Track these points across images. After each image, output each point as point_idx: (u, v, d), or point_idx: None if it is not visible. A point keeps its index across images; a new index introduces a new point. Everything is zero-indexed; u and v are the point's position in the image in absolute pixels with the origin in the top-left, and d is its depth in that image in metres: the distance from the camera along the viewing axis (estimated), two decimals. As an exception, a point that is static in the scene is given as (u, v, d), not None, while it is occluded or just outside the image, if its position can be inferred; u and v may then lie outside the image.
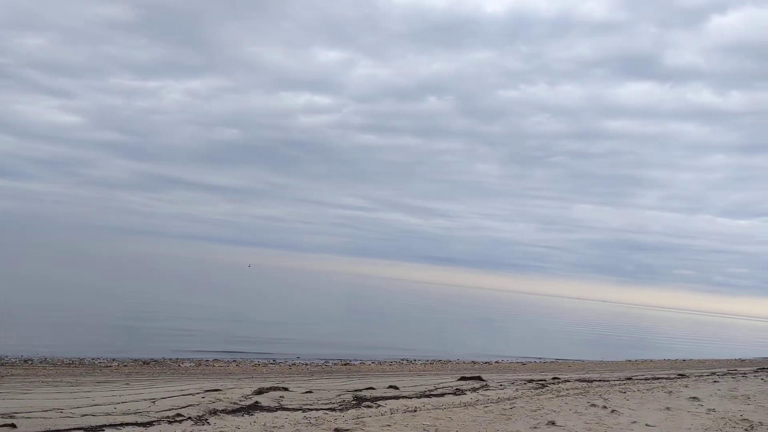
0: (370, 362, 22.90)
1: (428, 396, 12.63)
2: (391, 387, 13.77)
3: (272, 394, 11.85)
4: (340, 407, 10.67)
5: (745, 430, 9.89)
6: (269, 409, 10.15)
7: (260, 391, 12.04)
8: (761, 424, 10.39)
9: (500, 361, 27.65)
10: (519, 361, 28.46)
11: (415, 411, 10.44)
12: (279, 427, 8.69)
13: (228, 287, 62.72)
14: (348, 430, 8.64)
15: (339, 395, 12.18)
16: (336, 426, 8.82)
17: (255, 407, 10.27)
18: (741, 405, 12.97)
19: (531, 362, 28.01)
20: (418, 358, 25.46)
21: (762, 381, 19.40)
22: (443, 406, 11.12)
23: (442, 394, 12.97)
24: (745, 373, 23.83)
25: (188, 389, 12.11)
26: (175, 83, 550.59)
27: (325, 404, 10.96)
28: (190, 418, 9.13)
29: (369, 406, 10.83)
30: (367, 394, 12.52)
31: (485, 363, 25.93)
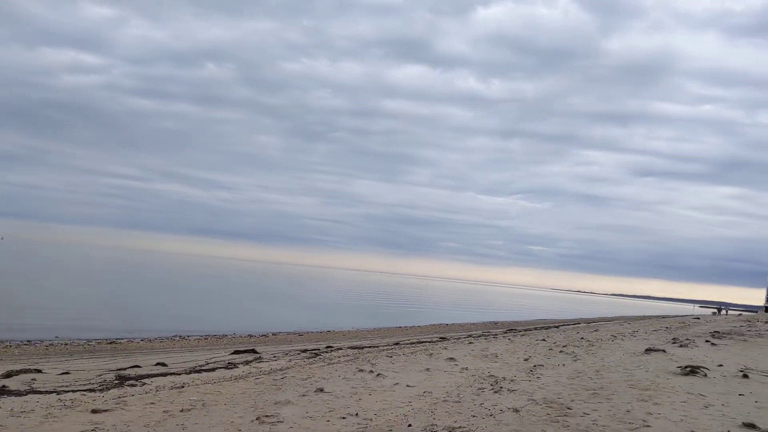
0: (138, 340, 21.82)
1: (198, 371, 12.38)
2: (159, 364, 13.29)
3: (22, 377, 10.87)
4: (100, 388, 10.06)
5: (491, 384, 10.97)
6: (18, 393, 9.29)
7: (8, 375, 10.98)
8: (504, 378, 11.59)
9: (277, 333, 27.86)
10: (296, 332, 28.90)
11: (183, 387, 10.16)
12: (29, 412, 7.98)
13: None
14: (107, 410, 8.17)
15: (100, 375, 11.50)
16: (94, 407, 8.29)
17: (1, 392, 9.33)
18: (490, 363, 14.36)
19: (308, 333, 28.58)
20: (191, 334, 24.77)
21: (509, 341, 21.66)
22: (213, 381, 10.95)
23: (213, 369, 12.78)
24: (496, 335, 26.48)
25: None
26: None
27: (84, 385, 10.27)
28: None
29: (133, 385, 10.34)
30: (132, 372, 11.96)
31: (262, 336, 25.97)
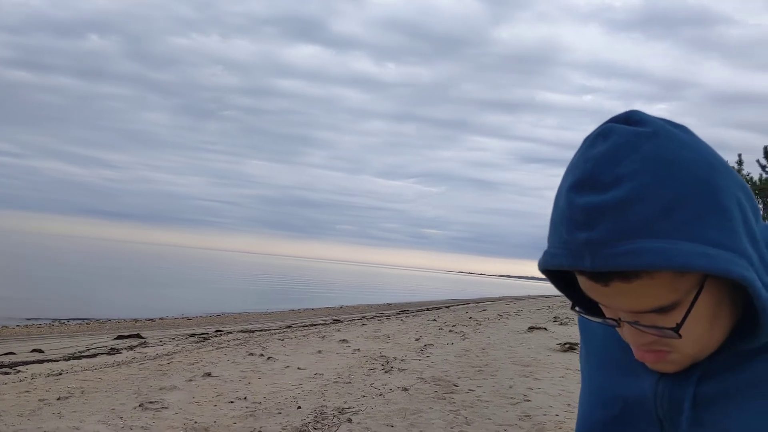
0: (14, 326, 20.55)
1: (78, 358, 11.81)
2: (35, 351, 12.58)
3: None
4: (-32, 378, 9.40)
5: (382, 365, 11.14)
6: None
7: None
8: (395, 358, 11.80)
9: (164, 317, 27.01)
10: (184, 316, 28.13)
11: (61, 374, 9.66)
12: None
13: None
14: (-25, 401, 7.65)
15: (-32, 365, 10.73)
16: (-40, 399, 7.74)
17: None
18: (382, 344, 14.57)
19: (197, 317, 27.90)
20: (72, 319, 23.60)
21: (401, 322, 22.05)
22: (94, 367, 10.48)
23: (95, 355, 12.24)
24: (389, 316, 26.88)
25: None
26: None
27: (-51, 376, 9.56)
28: None
29: (6, 373, 9.72)
30: (6, 360, 11.25)
31: (148, 320, 25.10)
